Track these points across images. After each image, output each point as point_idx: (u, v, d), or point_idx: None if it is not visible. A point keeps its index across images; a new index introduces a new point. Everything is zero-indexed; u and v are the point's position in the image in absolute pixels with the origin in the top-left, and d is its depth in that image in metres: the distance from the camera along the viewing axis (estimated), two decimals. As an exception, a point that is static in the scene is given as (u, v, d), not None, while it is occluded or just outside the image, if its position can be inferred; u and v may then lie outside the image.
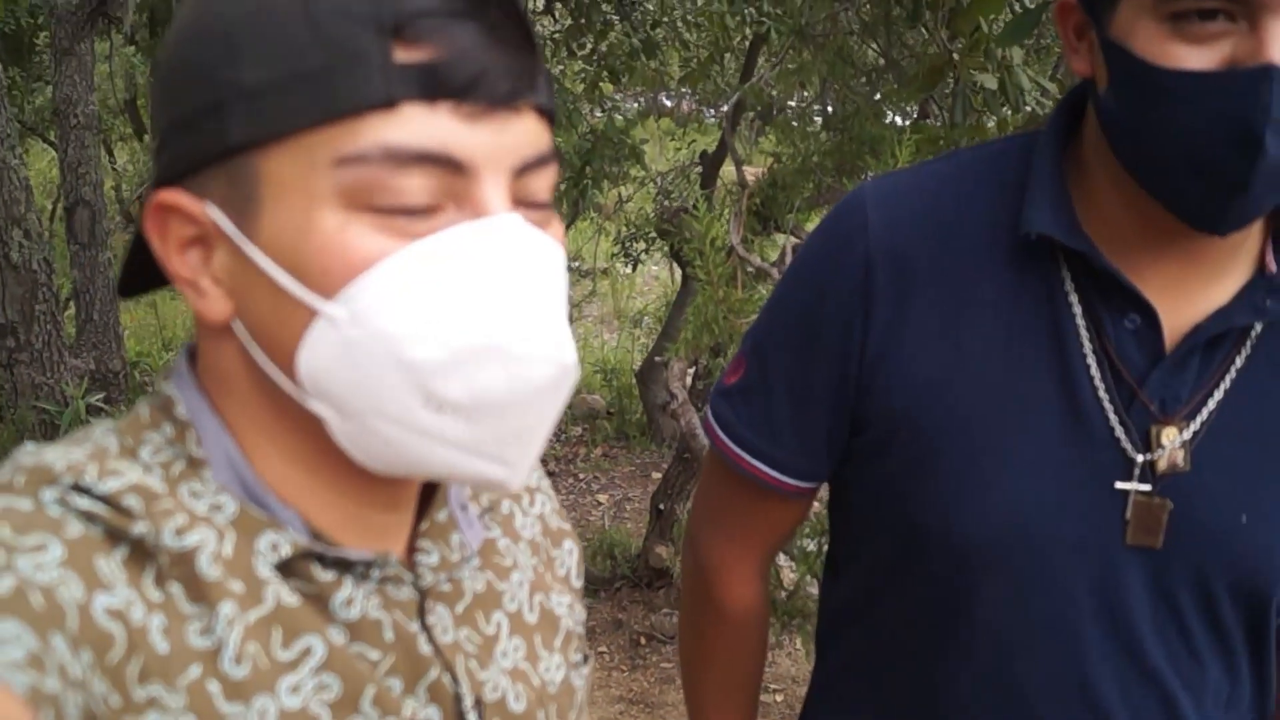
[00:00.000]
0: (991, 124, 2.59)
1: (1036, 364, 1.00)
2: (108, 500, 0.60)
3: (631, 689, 3.90)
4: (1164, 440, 0.99)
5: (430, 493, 0.75)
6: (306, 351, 0.61)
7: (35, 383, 4.48)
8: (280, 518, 0.65)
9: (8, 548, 0.55)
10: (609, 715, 3.73)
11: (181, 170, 0.63)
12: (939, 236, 1.03)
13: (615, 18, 5.13)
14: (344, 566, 0.67)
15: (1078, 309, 1.00)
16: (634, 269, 6.43)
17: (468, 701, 0.71)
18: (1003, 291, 1.01)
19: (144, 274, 0.72)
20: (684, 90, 6.96)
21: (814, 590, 2.43)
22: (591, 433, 6.33)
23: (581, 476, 5.79)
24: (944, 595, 1.05)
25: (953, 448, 1.01)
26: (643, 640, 4.17)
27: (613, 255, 6.53)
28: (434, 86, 0.58)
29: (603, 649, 4.09)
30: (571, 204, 4.52)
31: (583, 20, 4.96)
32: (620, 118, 7.24)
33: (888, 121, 2.72)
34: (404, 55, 0.58)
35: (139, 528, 0.60)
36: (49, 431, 4.41)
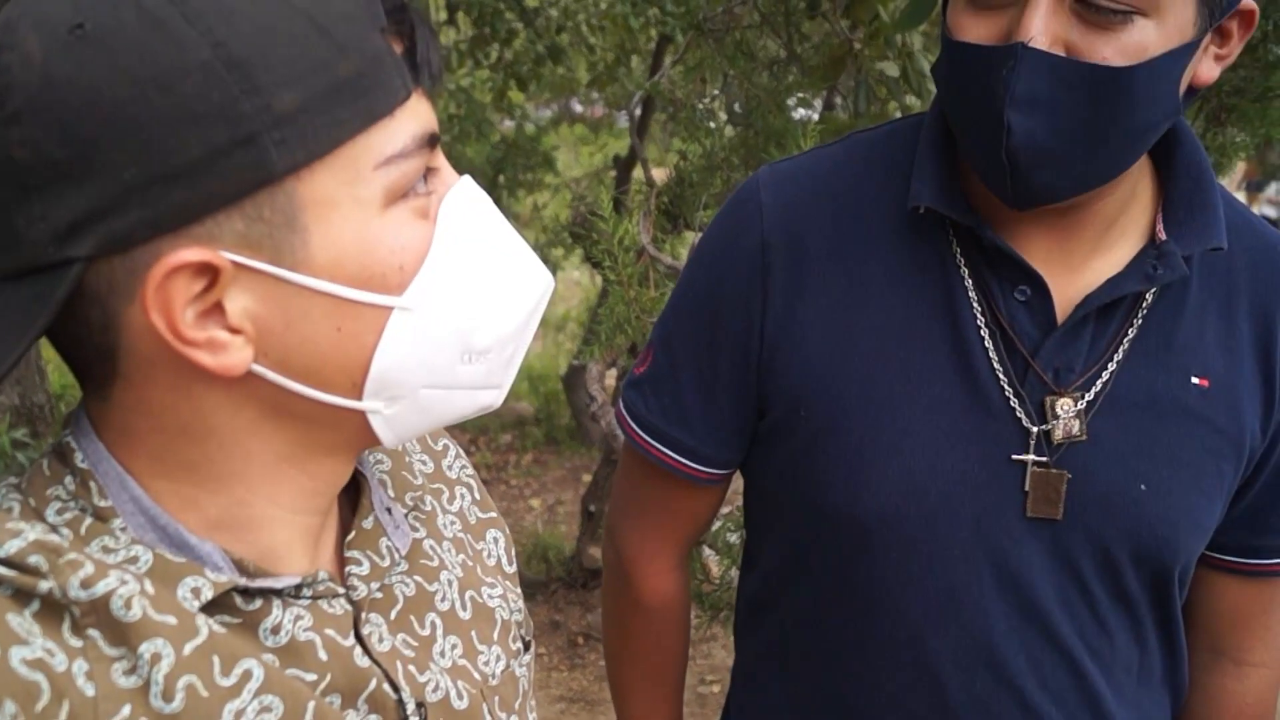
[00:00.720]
0: (896, 112, 2.61)
1: (931, 338, 1.01)
2: (9, 563, 0.58)
3: (571, 688, 3.90)
4: (1059, 410, 0.99)
5: (352, 499, 0.75)
6: (384, 351, 0.63)
7: (-47, 422, 4.34)
8: (199, 554, 0.64)
9: None
10: (550, 715, 3.73)
11: (171, 225, 0.57)
12: (832, 216, 1.05)
13: (519, 25, 5.13)
14: (272, 592, 0.66)
15: (969, 282, 1.00)
16: (553, 275, 6.43)
17: (410, 707, 0.70)
18: (896, 268, 1.02)
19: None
20: (593, 95, 6.98)
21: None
22: (521, 439, 6.32)
23: (513, 483, 5.78)
24: (849, 573, 1.05)
25: (851, 424, 1.02)
26: (580, 640, 4.18)
27: (532, 262, 6.52)
28: (418, 73, 0.64)
29: (541, 650, 4.09)
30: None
31: (487, 29, 4.94)
32: (531, 125, 7.24)
33: (793, 114, 2.74)
34: (397, 48, 0.62)
35: (44, 585, 0.58)
36: (-36, 472, 4.28)
